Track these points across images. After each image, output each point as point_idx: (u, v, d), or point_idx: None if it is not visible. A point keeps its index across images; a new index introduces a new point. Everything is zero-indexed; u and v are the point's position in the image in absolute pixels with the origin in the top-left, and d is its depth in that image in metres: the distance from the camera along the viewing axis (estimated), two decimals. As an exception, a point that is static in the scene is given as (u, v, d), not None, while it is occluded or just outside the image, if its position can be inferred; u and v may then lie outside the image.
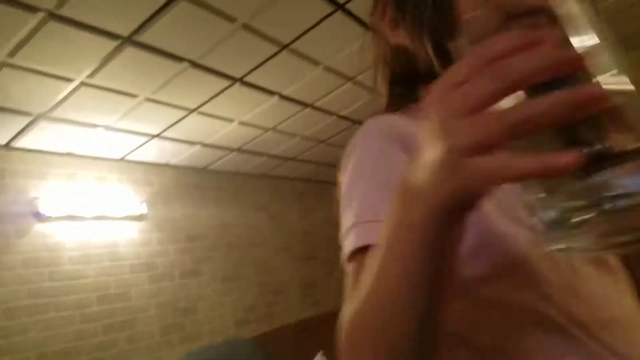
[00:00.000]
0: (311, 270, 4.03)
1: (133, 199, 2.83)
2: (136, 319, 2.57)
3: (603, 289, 0.47)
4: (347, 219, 0.53)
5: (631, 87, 0.29)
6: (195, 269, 3.03)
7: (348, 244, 0.51)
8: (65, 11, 1.68)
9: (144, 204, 2.87)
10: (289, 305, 3.63)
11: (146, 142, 2.79)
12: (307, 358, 3.45)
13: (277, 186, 4.15)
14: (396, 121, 0.56)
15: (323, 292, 4.03)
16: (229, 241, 3.37)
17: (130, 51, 1.96)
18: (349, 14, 2.21)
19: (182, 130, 2.79)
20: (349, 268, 0.52)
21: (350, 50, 2.52)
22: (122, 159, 2.90)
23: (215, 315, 3.01)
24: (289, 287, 3.70)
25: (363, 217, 0.50)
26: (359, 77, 2.86)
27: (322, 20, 2.19)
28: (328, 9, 2.11)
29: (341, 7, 2.14)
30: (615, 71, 0.29)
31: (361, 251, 0.48)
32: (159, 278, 2.79)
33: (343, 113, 3.32)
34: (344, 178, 0.58)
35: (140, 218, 2.83)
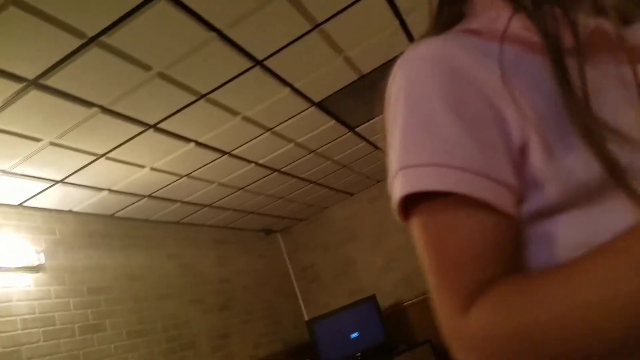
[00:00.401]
0: (225, 321, 3.92)
1: (30, 249, 2.63)
2: (27, 381, 2.33)
3: None
4: (412, 154, 0.43)
5: None
6: (97, 323, 2.83)
7: (415, 183, 0.42)
8: (-36, 52, 1.64)
9: (42, 254, 2.67)
10: (200, 359, 3.48)
11: (48, 187, 2.65)
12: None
13: (191, 233, 4.07)
14: (455, 51, 0.44)
15: (237, 344, 3.92)
16: (136, 294, 3.21)
17: (35, 94, 1.92)
18: (268, 69, 2.36)
19: (88, 176, 2.70)
20: (419, 218, 0.45)
21: (269, 102, 2.66)
22: (20, 205, 2.71)
23: (119, 373, 2.81)
24: (199, 341, 3.56)
25: (440, 158, 0.41)
26: (278, 128, 3.00)
27: (240, 74, 2.31)
28: (247, 64, 2.24)
29: (259, 63, 2.28)
30: None
31: (429, 199, 0.41)
32: (57, 334, 2.57)
33: (262, 161, 3.41)
34: (398, 108, 0.46)
35: (37, 269, 2.63)
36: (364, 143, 3.78)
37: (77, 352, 2.64)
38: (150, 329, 3.18)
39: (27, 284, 2.55)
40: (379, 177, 4.82)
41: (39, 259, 2.63)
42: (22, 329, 2.42)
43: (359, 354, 4.25)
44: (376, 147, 3.98)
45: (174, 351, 3.29)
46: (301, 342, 4.77)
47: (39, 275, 2.63)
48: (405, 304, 4.73)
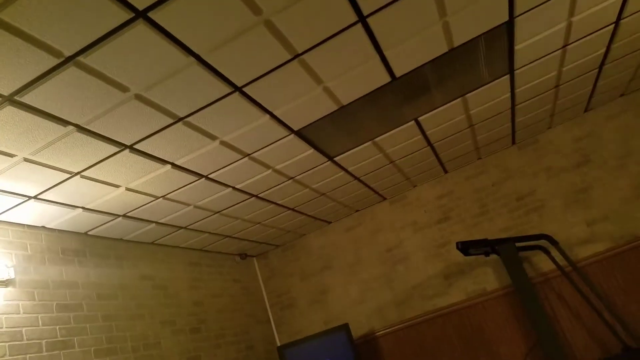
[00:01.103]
0: (196, 344, 3.92)
1: (0, 263, 2.65)
2: (-13, 396, 2.32)
3: None
4: None
5: None
6: (66, 340, 2.83)
7: None
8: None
9: (12, 269, 2.70)
10: (169, 380, 3.46)
11: (22, 202, 2.69)
12: None
13: (166, 255, 4.10)
14: None
15: (207, 367, 3.90)
16: (106, 312, 3.22)
17: (10, 110, 1.97)
18: (247, 96, 2.44)
19: (63, 194, 2.74)
20: None
21: (248, 128, 2.74)
22: (-7, 220, 2.74)
23: (83, 392, 2.80)
24: (170, 361, 3.55)
25: None
26: (256, 154, 3.09)
27: (219, 99, 2.38)
28: (226, 89, 2.31)
29: (239, 89, 2.36)
30: None
31: None
32: (24, 349, 2.57)
33: (239, 186, 3.49)
34: None
35: (6, 284, 2.64)
36: (342, 172, 3.91)
37: (42, 368, 2.63)
38: (119, 348, 3.18)
39: (-4, 297, 2.57)
40: (357, 206, 4.94)
41: (9, 273, 2.65)
42: (-13, 343, 2.43)
43: (328, 381, 4.26)
44: (355, 177, 4.12)
45: (141, 372, 3.27)
46: (272, 369, 4.75)
47: (8, 289, 2.65)
48: (377, 334, 4.77)
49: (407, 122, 3.40)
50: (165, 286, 3.89)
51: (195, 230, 4.04)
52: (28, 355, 2.58)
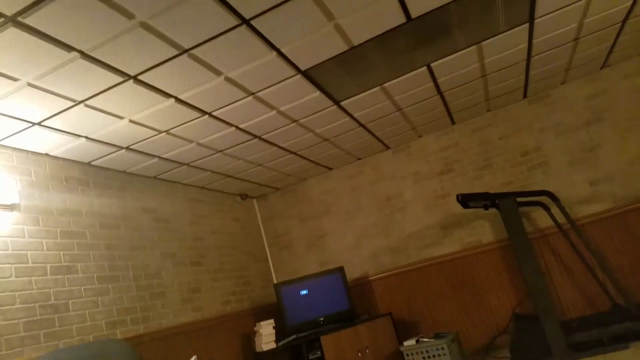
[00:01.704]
0: (196, 276, 4.04)
1: (5, 187, 2.68)
2: (-5, 312, 2.42)
3: None
4: None
5: None
6: (69, 266, 2.92)
7: None
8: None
9: (17, 194, 2.73)
10: (168, 309, 3.60)
11: (25, 128, 2.68)
12: (182, 361, 3.44)
13: (168, 190, 4.14)
14: None
15: (206, 299, 4.05)
16: (109, 242, 3.30)
17: (13, 32, 1.92)
18: (254, 30, 2.35)
19: (66, 122, 2.73)
20: None
21: (254, 65, 2.67)
22: (-3, 144, 2.74)
23: (87, 314, 2.92)
24: (170, 291, 3.68)
25: None
26: (261, 93, 3.04)
27: (226, 32, 2.30)
28: (233, 21, 2.23)
29: (246, 22, 2.28)
30: None
31: None
32: (29, 272, 2.66)
33: (243, 126, 3.46)
34: None
35: (12, 208, 2.69)
36: (347, 118, 3.86)
37: (48, 290, 2.73)
38: (121, 276, 3.28)
39: (1, 221, 2.61)
40: (360, 154, 4.93)
41: (14, 198, 2.69)
42: (-6, 263, 2.50)
43: (322, 318, 4.44)
44: (360, 124, 4.07)
45: (144, 299, 3.40)
46: (268, 303, 4.94)
47: (13, 213, 2.70)
48: (371, 278, 4.90)
49: (419, 68, 3.31)
50: (166, 220, 3.96)
51: (198, 167, 4.05)
52: (33, 278, 2.67)
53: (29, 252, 2.70)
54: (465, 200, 3.75)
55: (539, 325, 3.38)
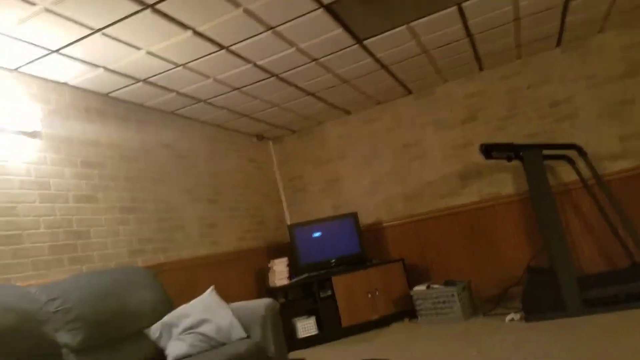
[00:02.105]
0: (213, 213, 4.12)
1: (28, 114, 2.69)
2: (23, 235, 2.50)
3: None
4: None
5: None
6: (91, 195, 2.98)
7: None
8: None
9: (39, 121, 2.74)
10: (187, 241, 3.70)
11: (44, 55, 2.64)
12: (198, 292, 3.58)
13: (185, 126, 4.13)
14: None
15: (223, 234, 4.15)
16: (129, 174, 3.34)
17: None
18: None
19: (84, 51, 2.68)
20: None
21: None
22: (16, 70, 2.72)
23: (109, 242, 3.01)
24: (188, 225, 3.77)
25: None
26: (280, 28, 2.92)
27: None
28: None
29: None
30: None
31: None
32: (52, 199, 2.72)
33: (260, 63, 3.37)
34: None
35: (34, 135, 2.71)
36: (370, 59, 3.73)
37: (71, 217, 2.80)
38: (141, 208, 3.35)
39: (24, 147, 2.64)
40: (380, 98, 4.81)
41: (36, 125, 2.70)
42: (19, 189, 2.56)
43: (333, 260, 4.53)
44: (382, 66, 3.94)
45: (163, 230, 3.49)
46: (281, 242, 5.04)
47: (36, 141, 2.72)
48: (384, 224, 4.94)
49: (449, 7, 3.14)
50: (184, 156, 3.98)
51: (214, 105, 4.01)
52: (56, 205, 2.74)
53: (51, 180, 2.75)
54: (488, 150, 3.66)
55: (554, 279, 3.39)
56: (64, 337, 2.18)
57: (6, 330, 1.88)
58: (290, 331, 4.15)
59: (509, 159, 3.74)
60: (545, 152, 4.18)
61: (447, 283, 4.12)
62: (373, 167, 5.05)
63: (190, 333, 2.50)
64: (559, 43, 4.26)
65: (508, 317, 3.58)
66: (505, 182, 4.48)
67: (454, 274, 4.65)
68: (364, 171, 5.09)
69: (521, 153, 3.61)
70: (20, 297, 2.04)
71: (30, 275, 2.48)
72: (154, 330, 2.56)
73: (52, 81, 2.93)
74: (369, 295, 4.26)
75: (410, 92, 4.82)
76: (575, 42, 4.28)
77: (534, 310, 3.39)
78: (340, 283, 4.23)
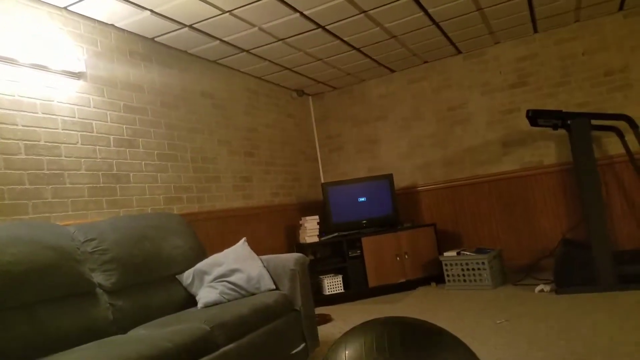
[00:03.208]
0: (248, 166, 4.13)
1: (73, 54, 2.70)
2: (65, 175, 2.57)
3: None
4: None
5: None
6: (131, 140, 3.02)
7: None
8: None
9: (84, 62, 2.75)
10: (221, 193, 3.74)
11: (92, -5, 2.61)
12: (229, 243, 3.65)
13: (226, 77, 4.09)
14: None
15: (257, 188, 4.17)
16: (169, 121, 3.35)
17: None
18: None
19: (133, -10, 2.64)
20: None
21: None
22: (65, 8, 2.71)
23: (146, 188, 3.07)
24: (224, 177, 3.80)
25: None
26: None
27: None
28: None
29: None
30: None
31: None
32: (94, 141, 2.76)
33: (307, 12, 3.25)
34: None
35: (79, 76, 2.73)
36: (421, 13, 3.54)
37: (111, 161, 2.85)
38: (179, 156, 3.38)
39: (69, 88, 2.67)
40: (427, 57, 4.61)
41: (81, 66, 2.71)
42: (63, 129, 2.60)
43: (364, 221, 4.51)
44: (433, 22, 3.74)
45: (199, 180, 3.53)
46: (314, 200, 5.05)
47: (80, 82, 2.74)
48: (419, 188, 4.86)
49: (511, -40, 2.91)
50: (223, 106, 3.96)
51: (257, 55, 3.93)
52: (97, 147, 2.78)
53: (94, 122, 2.79)
54: (535, 116, 3.49)
55: (588, 252, 3.28)
56: (99, 278, 2.23)
57: (45, 267, 1.94)
58: (317, 288, 4.22)
59: (555, 127, 3.56)
60: (594, 122, 3.96)
61: (479, 250, 4.06)
62: (413, 130, 4.92)
63: (221, 281, 2.55)
64: (621, 7, 3.93)
65: (538, 288, 3.52)
66: (548, 151, 4.30)
67: (486, 242, 4.58)
68: (404, 133, 4.97)
69: (569, 121, 3.43)
70: (59, 236, 2.09)
71: (69, 215, 2.56)
72: (186, 277, 2.62)
73: (99, 22, 2.91)
74: (398, 258, 4.26)
75: (459, 51, 4.60)
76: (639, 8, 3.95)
77: (565, 283, 3.32)
78: (370, 244, 4.23)
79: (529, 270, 4.34)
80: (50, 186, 2.48)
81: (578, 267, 3.29)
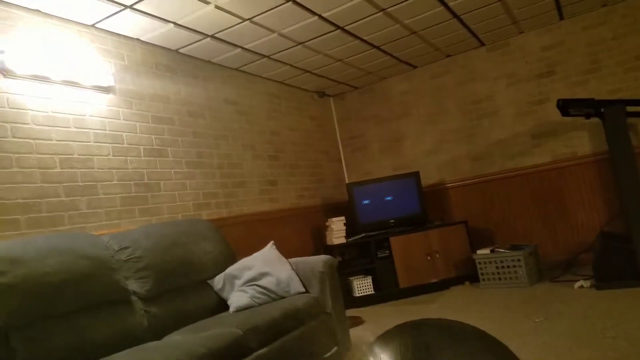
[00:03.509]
0: (273, 170, 4.16)
1: (102, 70, 2.78)
2: (98, 186, 2.64)
3: None
4: None
5: None
6: (160, 149, 3.09)
7: None
8: None
9: (112, 77, 2.83)
10: (248, 197, 3.78)
11: (118, 11, 2.69)
12: (257, 247, 3.68)
13: (249, 83, 4.14)
14: None
15: (281, 192, 4.20)
16: (196, 130, 3.41)
17: None
18: None
19: (155, 5, 2.69)
20: None
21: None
22: (93, 26, 2.80)
23: (176, 195, 3.13)
24: (249, 182, 3.84)
25: None
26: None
27: None
28: None
29: None
30: None
31: None
32: (124, 152, 2.84)
33: (326, 15, 3.26)
34: None
35: (108, 90, 2.81)
36: (441, 8, 3.49)
37: (142, 170, 2.93)
38: (206, 163, 3.44)
39: (99, 102, 2.75)
40: (449, 51, 4.55)
41: (110, 80, 2.79)
42: (95, 142, 2.68)
43: (392, 220, 4.47)
44: (454, 15, 3.68)
45: (226, 186, 3.58)
46: (340, 201, 5.05)
47: (109, 96, 2.82)
48: (448, 185, 4.79)
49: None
50: (246, 112, 4.00)
51: (278, 60, 3.96)
52: (128, 158, 2.86)
53: (124, 134, 2.87)
54: (566, 106, 3.39)
55: (629, 245, 3.16)
56: (133, 285, 2.28)
57: (82, 277, 1.99)
58: (347, 289, 4.21)
59: (588, 116, 3.44)
60: (629, 108, 3.81)
61: (513, 247, 3.97)
62: (437, 125, 4.85)
63: (251, 285, 2.57)
64: (657, -14, 3.78)
65: (577, 284, 3.41)
66: (581, 141, 4.16)
67: (521, 238, 4.47)
68: (428, 129, 4.91)
69: (602, 109, 3.31)
70: (94, 245, 2.15)
71: (103, 225, 2.63)
72: (217, 281, 2.65)
73: (125, 37, 3.00)
74: (428, 258, 4.20)
75: (482, 43, 4.51)
76: (677, -15, 3.78)
77: (605, 278, 3.20)
78: (399, 244, 4.19)
79: (567, 265, 4.21)
80: (85, 197, 2.56)
81: (619, 261, 3.17)
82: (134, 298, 2.25)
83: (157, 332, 2.26)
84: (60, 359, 1.83)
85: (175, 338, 2.04)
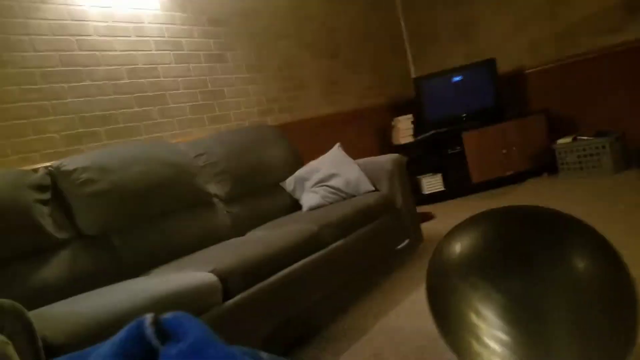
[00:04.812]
0: (334, 69, 4.00)
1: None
2: (166, 95, 2.68)
3: None
4: None
5: None
6: (220, 54, 3.03)
7: None
8: None
9: (163, -20, 2.73)
10: (310, 100, 3.71)
11: None
12: (322, 150, 3.67)
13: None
14: None
15: (344, 92, 4.06)
16: (253, 31, 3.29)
17: None
18: None
19: None
20: None
21: None
22: None
23: (240, 102, 3.12)
24: (311, 84, 3.74)
25: None
26: None
27: None
28: None
29: None
30: None
31: None
32: (186, 59, 2.82)
33: None
34: None
35: (160, -6, 2.73)
36: None
37: (205, 77, 2.92)
38: (267, 66, 3.36)
39: (154, 7, 2.69)
40: None
41: (161, -16, 2.70)
42: (156, 50, 2.67)
43: (464, 115, 4.24)
44: None
45: (288, 89, 3.51)
46: (406, 98, 4.83)
47: (164, 1, 2.75)
48: (527, 71, 4.38)
49: None
50: (303, 7, 3.78)
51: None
52: (190, 65, 2.84)
53: (182, 40, 2.82)
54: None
55: None
56: (213, 188, 2.41)
57: (167, 182, 2.11)
58: (415, 188, 4.17)
59: None
60: None
61: (599, 134, 3.66)
62: (516, 3, 4.33)
63: (321, 186, 2.60)
64: None
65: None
66: (693, 9, 3.55)
67: (606, 124, 4.09)
68: (505, 10, 4.40)
69: None
70: (173, 153, 2.24)
71: (176, 134, 2.71)
72: (289, 183, 2.72)
73: None
74: (504, 151, 4.00)
75: None
76: None
77: None
78: (471, 139, 4.00)
79: (660, 151, 3.84)
80: (157, 107, 2.62)
81: None
82: (215, 200, 2.39)
83: (240, 230, 2.42)
84: (155, 254, 2.01)
85: (257, 234, 2.15)
